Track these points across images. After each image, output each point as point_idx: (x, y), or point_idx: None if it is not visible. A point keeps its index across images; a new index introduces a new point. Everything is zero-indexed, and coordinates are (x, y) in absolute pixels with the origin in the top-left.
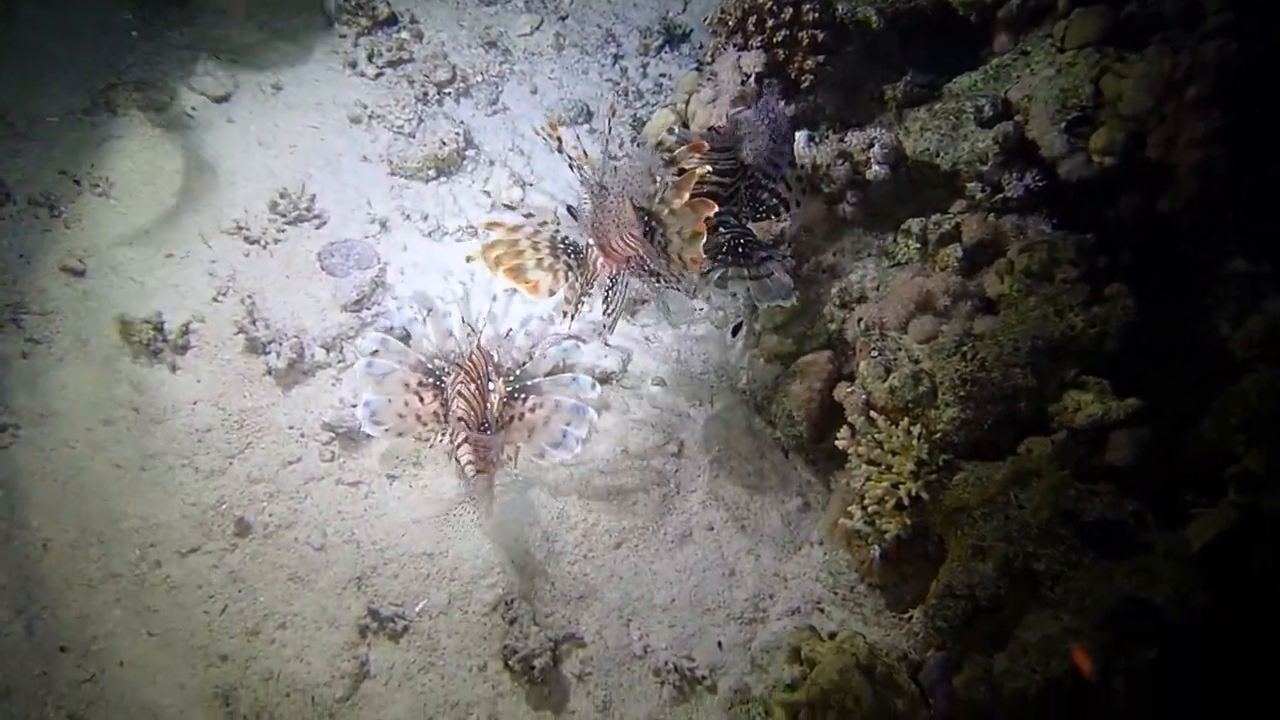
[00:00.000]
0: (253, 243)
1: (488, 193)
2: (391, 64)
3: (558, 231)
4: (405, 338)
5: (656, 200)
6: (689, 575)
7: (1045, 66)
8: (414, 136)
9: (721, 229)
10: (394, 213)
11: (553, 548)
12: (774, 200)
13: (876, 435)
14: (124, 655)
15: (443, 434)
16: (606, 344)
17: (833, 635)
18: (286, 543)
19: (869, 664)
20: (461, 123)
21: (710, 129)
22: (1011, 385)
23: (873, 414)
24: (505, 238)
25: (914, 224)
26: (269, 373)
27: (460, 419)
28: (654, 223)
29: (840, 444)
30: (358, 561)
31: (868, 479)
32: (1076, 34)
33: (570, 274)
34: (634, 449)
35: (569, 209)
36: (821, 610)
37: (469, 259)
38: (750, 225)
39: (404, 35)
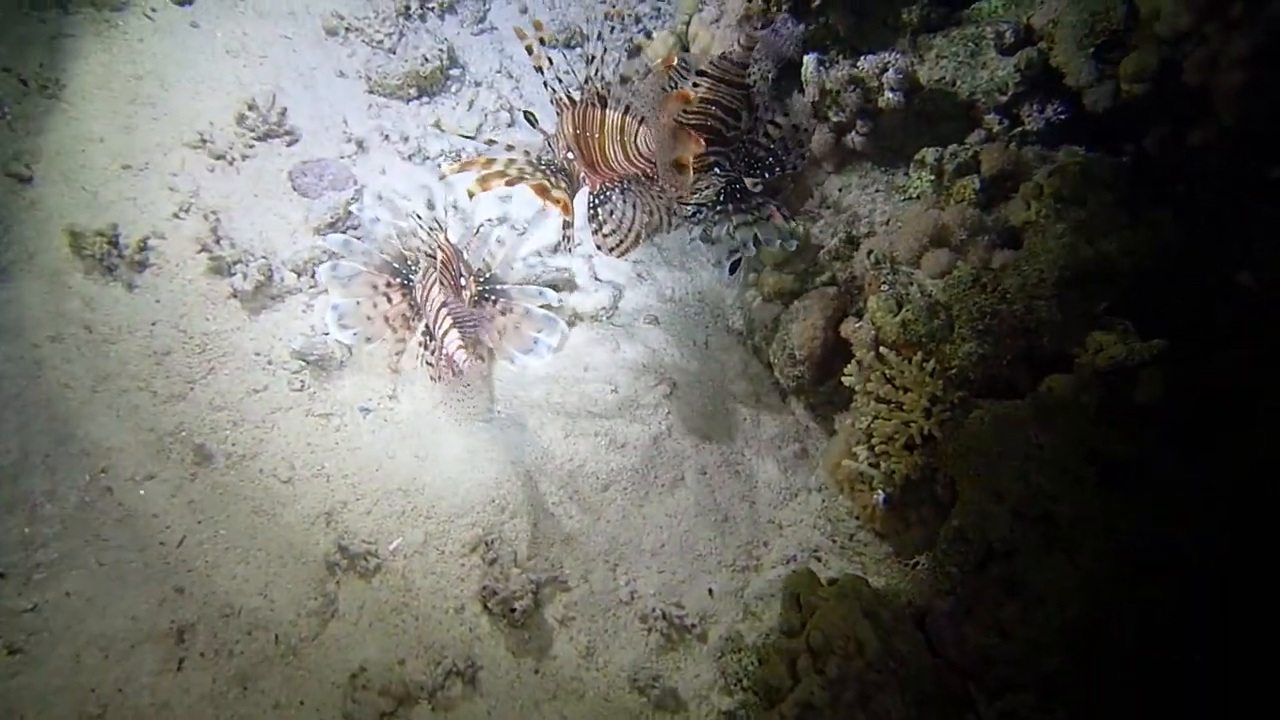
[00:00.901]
0: (218, 158)
1: (437, 125)
2: None
3: (528, 153)
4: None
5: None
6: (679, 520)
7: None
8: (394, 52)
9: (717, 170)
10: (372, 133)
11: (536, 488)
12: (769, 157)
13: (887, 371)
14: (70, 585)
15: (412, 334)
16: (596, 276)
17: (833, 582)
18: (250, 474)
19: (872, 609)
20: (445, 40)
21: (721, 56)
22: (1035, 318)
23: (883, 350)
24: (485, 171)
25: (928, 154)
26: (234, 295)
27: (444, 305)
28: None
29: (847, 381)
30: (327, 496)
31: (876, 417)
32: None
33: (567, 186)
34: (624, 389)
35: (526, 114)
36: (819, 558)
37: (443, 177)
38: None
39: None
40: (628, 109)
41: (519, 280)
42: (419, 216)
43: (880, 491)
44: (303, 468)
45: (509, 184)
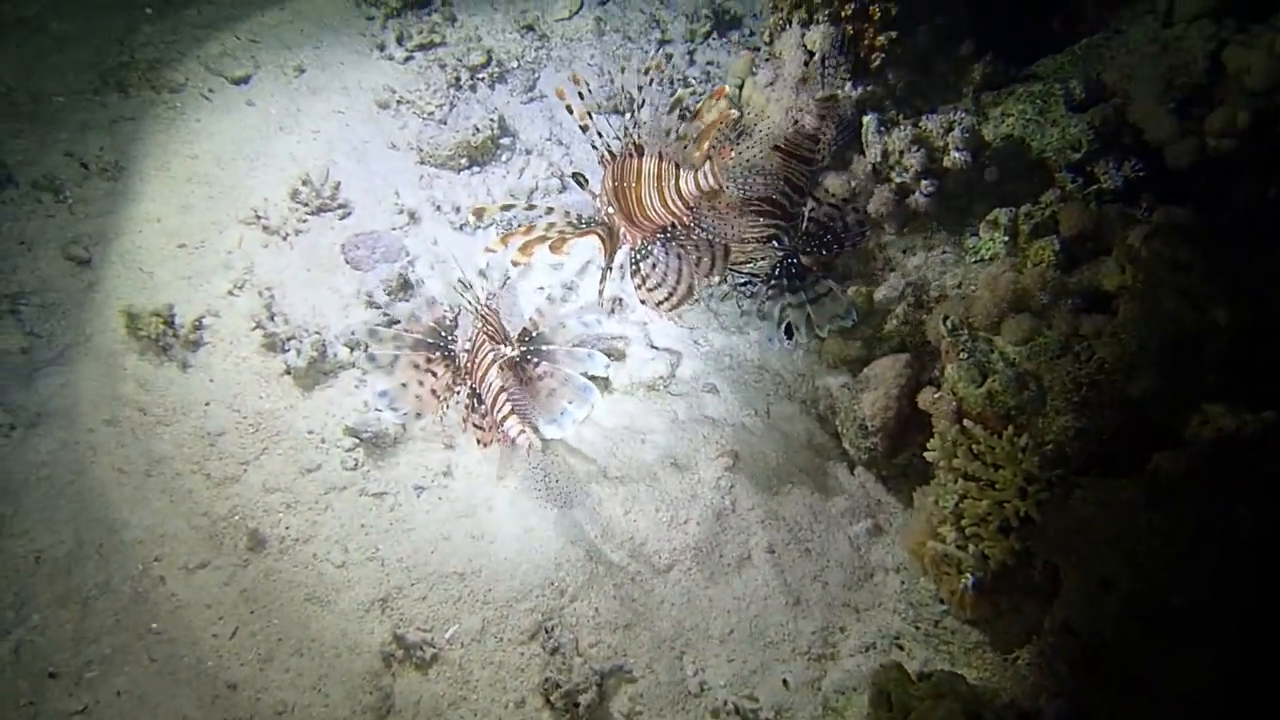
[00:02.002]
0: (272, 233)
1: (479, 216)
2: (422, 47)
3: (568, 213)
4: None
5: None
6: (748, 603)
7: (1147, 43)
8: (445, 123)
9: (776, 244)
10: (423, 204)
11: (596, 570)
12: (826, 234)
13: (974, 446)
14: (121, 683)
15: (459, 400)
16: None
17: (925, 676)
18: (304, 559)
19: (974, 711)
20: (496, 110)
21: (796, 131)
22: (1137, 389)
23: (967, 423)
24: (526, 239)
25: (1001, 214)
26: (288, 372)
27: (502, 389)
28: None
29: (930, 456)
30: (382, 581)
31: (964, 496)
32: (1187, 6)
33: (608, 239)
34: (684, 461)
35: (576, 177)
36: (901, 646)
37: (489, 250)
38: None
39: (436, 18)
40: (662, 155)
41: (569, 339)
42: (465, 285)
43: (970, 575)
44: (356, 551)
45: (552, 248)
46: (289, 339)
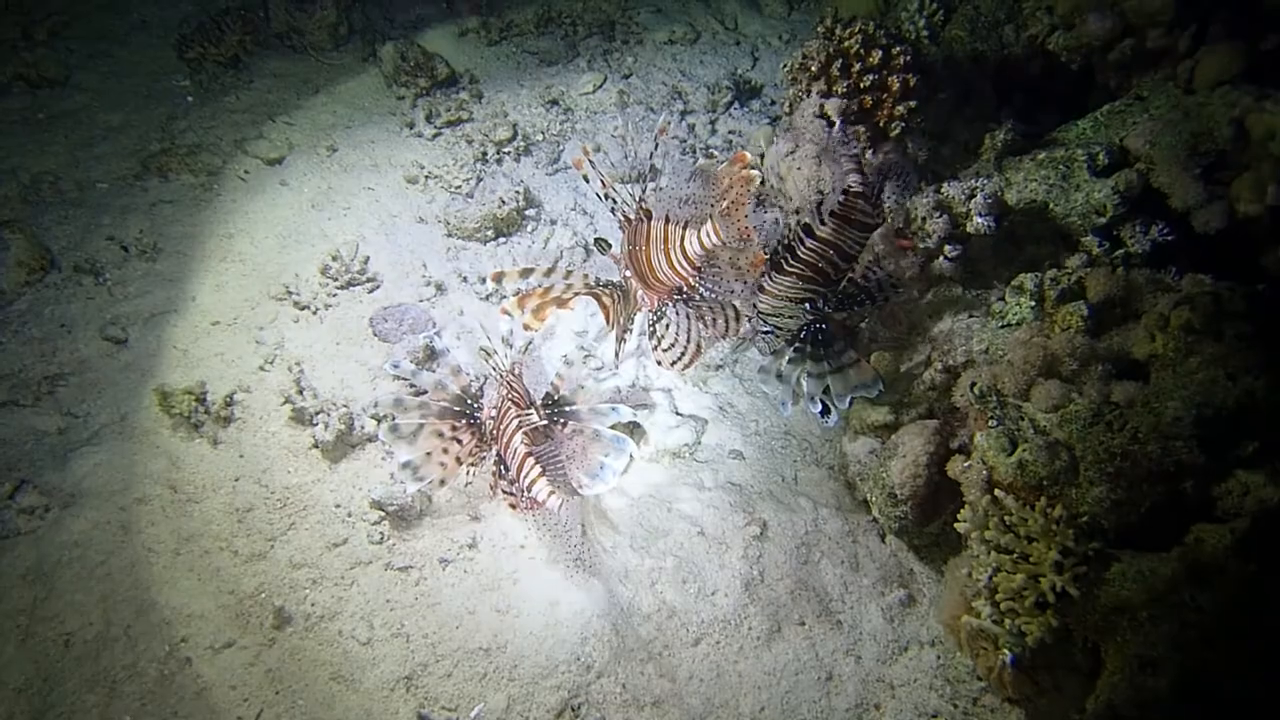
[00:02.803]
0: (302, 308)
1: (498, 279)
2: (450, 124)
3: (586, 275)
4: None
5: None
6: (779, 679)
7: (1169, 110)
8: (472, 196)
9: (808, 307)
10: (450, 275)
11: (623, 643)
12: (860, 294)
13: (1006, 518)
14: None
15: (486, 467)
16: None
17: None
18: (329, 636)
19: None
20: (521, 182)
21: (851, 192)
22: (1173, 461)
23: (999, 493)
24: (540, 301)
25: (1027, 280)
26: (315, 446)
27: (529, 454)
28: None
29: (961, 528)
30: (407, 658)
31: (998, 570)
32: (1208, 73)
33: (616, 304)
34: (711, 530)
35: (599, 243)
36: None
37: (505, 313)
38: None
39: (463, 95)
40: (668, 218)
41: (589, 397)
42: (488, 352)
43: (1008, 652)
44: (382, 627)
45: (560, 305)
46: (317, 413)
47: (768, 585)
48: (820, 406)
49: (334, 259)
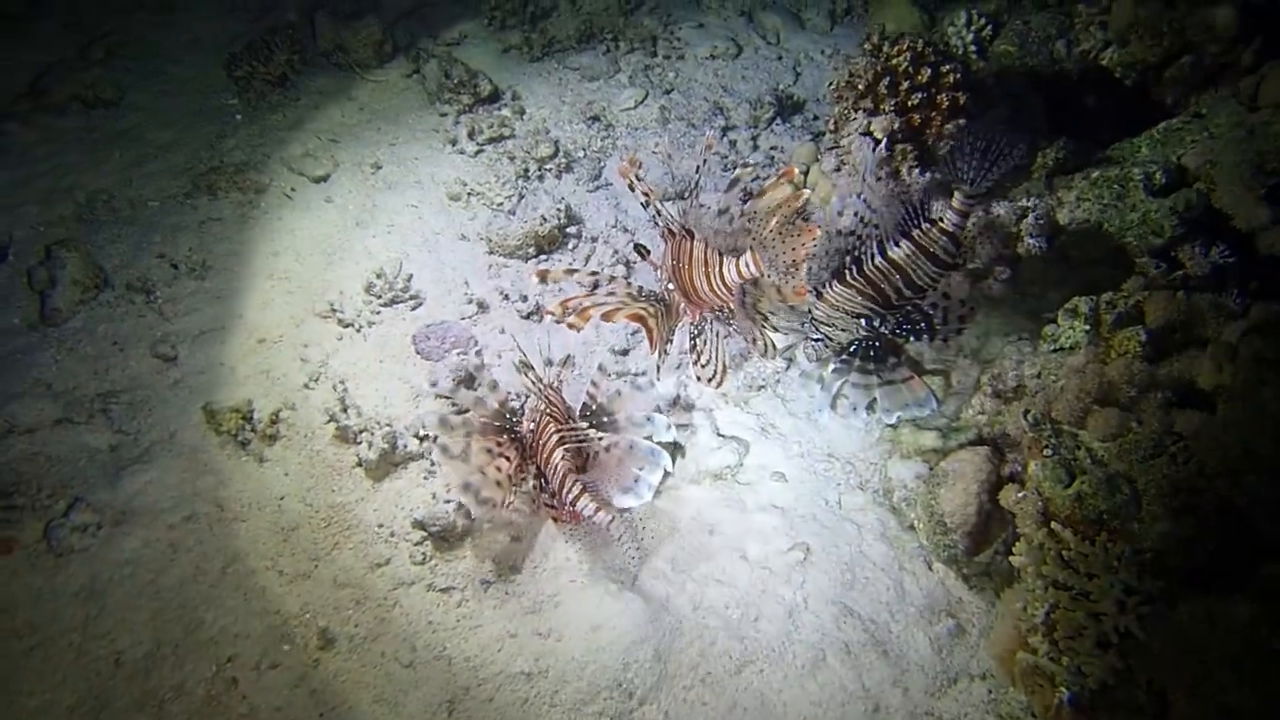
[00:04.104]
0: (346, 326)
1: (543, 279)
2: (492, 140)
3: (629, 283)
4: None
5: (748, 234)
6: (825, 709)
7: (1232, 128)
8: (514, 214)
9: (864, 322)
10: (492, 293)
11: (665, 669)
12: (922, 321)
13: (1065, 553)
14: None
15: (527, 486)
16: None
17: None
18: (373, 658)
19: None
20: (563, 199)
21: (937, 227)
22: (1245, 496)
23: (1056, 526)
24: (585, 303)
25: (1082, 303)
26: (359, 464)
27: (570, 473)
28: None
29: (1016, 561)
30: (449, 682)
31: (1056, 606)
32: (1275, 89)
33: (659, 320)
34: (754, 555)
35: (637, 248)
36: None
37: (550, 314)
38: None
39: (505, 112)
40: (708, 242)
41: (626, 405)
42: (527, 365)
43: (1065, 690)
44: (424, 649)
45: (605, 318)
46: (360, 431)
47: (812, 612)
48: (859, 417)
49: (378, 276)
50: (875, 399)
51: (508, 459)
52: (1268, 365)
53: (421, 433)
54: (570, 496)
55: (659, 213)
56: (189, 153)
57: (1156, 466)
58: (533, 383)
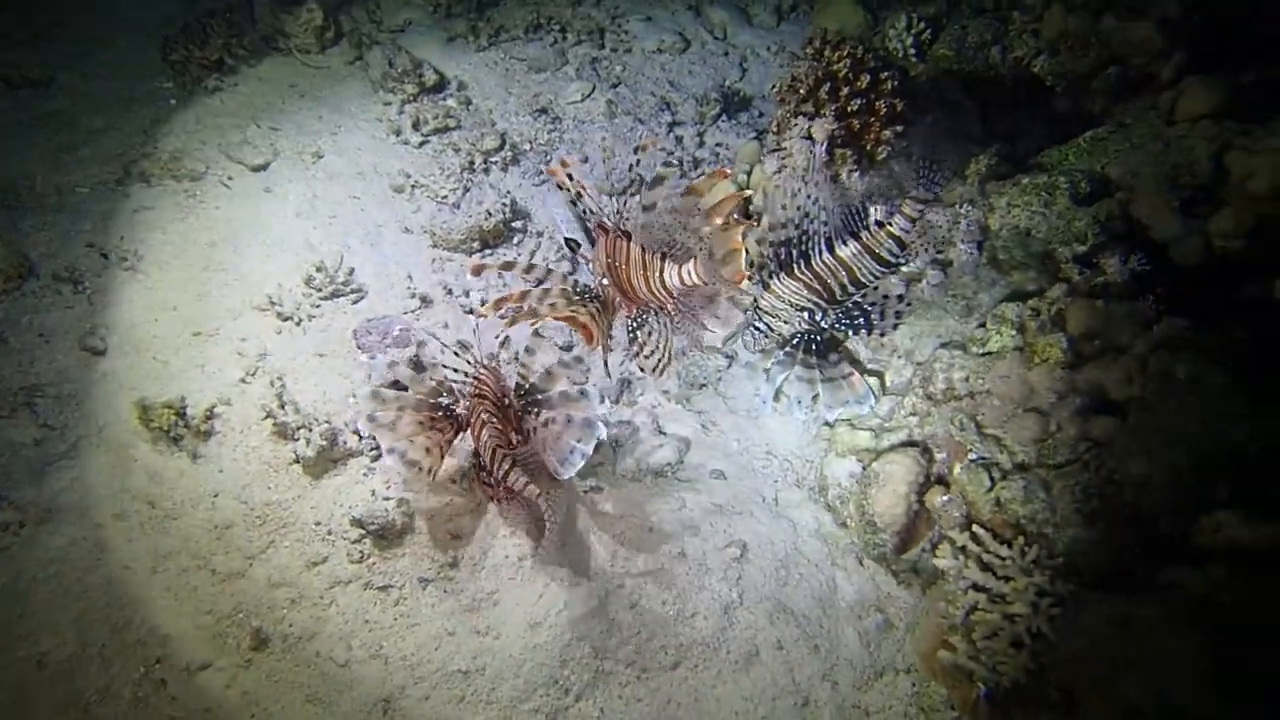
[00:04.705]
0: (286, 319)
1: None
2: (437, 131)
3: (565, 279)
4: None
5: (680, 231)
6: (757, 704)
7: (1150, 140)
8: (458, 207)
9: (806, 315)
10: (435, 287)
11: (602, 666)
12: (861, 317)
13: (984, 556)
14: None
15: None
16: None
17: None
18: (307, 658)
19: None
20: (508, 193)
21: (882, 227)
22: (1149, 504)
23: (978, 530)
24: (517, 307)
25: (1009, 309)
26: (297, 461)
27: (499, 449)
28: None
29: (940, 564)
30: (385, 680)
31: (974, 607)
32: (1189, 106)
33: (598, 315)
34: (691, 552)
35: (568, 242)
36: None
37: (480, 315)
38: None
39: (451, 103)
40: (644, 246)
41: (552, 382)
42: (464, 346)
43: (982, 686)
44: (360, 648)
45: (568, 321)
46: (299, 428)
47: (746, 608)
48: (803, 410)
49: (318, 269)
50: (818, 394)
51: (439, 431)
52: (1173, 380)
53: (357, 427)
54: (501, 472)
55: (589, 211)
56: (121, 138)
57: (1071, 472)
58: (468, 364)
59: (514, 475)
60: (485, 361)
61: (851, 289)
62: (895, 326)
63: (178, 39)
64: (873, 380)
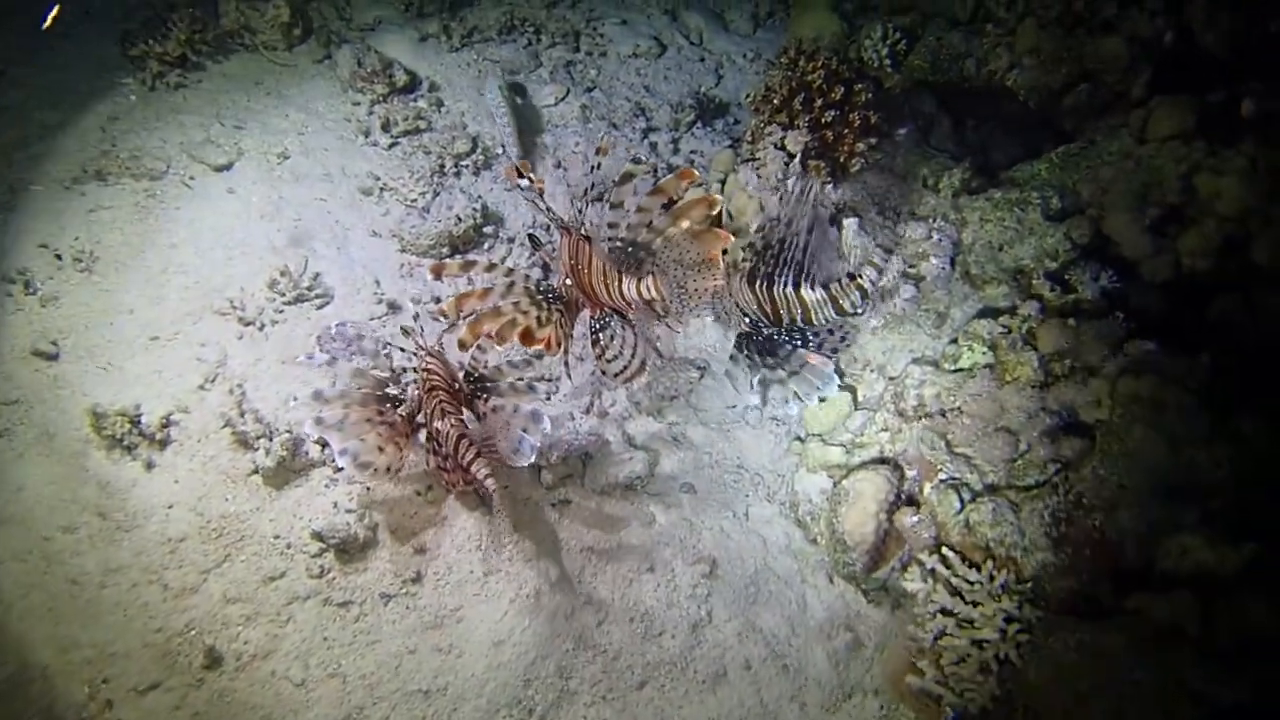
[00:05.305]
0: (247, 324)
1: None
2: (408, 133)
3: (528, 278)
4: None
5: (645, 230)
6: None
7: (1120, 159)
8: (428, 212)
9: (748, 320)
10: (403, 294)
11: (567, 686)
12: (799, 341)
13: (953, 579)
14: None
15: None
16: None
17: None
18: (262, 677)
19: None
20: (479, 197)
21: (853, 279)
22: (1116, 529)
23: (946, 552)
24: (480, 306)
25: (980, 326)
26: (256, 471)
27: (463, 437)
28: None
29: (909, 586)
30: (343, 700)
31: (943, 632)
32: (1159, 125)
33: (562, 318)
34: (660, 567)
35: (531, 237)
36: None
37: (442, 314)
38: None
39: (422, 104)
40: (606, 255)
41: (499, 375)
42: (407, 332)
43: (950, 710)
44: (317, 667)
45: (497, 337)
46: (258, 437)
47: (715, 626)
48: (797, 407)
49: (282, 273)
50: (793, 391)
51: (390, 425)
52: (1140, 404)
53: (305, 431)
54: (466, 459)
55: (549, 210)
56: (78, 135)
57: (1039, 495)
58: (414, 349)
59: (478, 465)
60: (430, 348)
61: (802, 325)
62: (834, 352)
63: (138, 32)
64: (845, 395)
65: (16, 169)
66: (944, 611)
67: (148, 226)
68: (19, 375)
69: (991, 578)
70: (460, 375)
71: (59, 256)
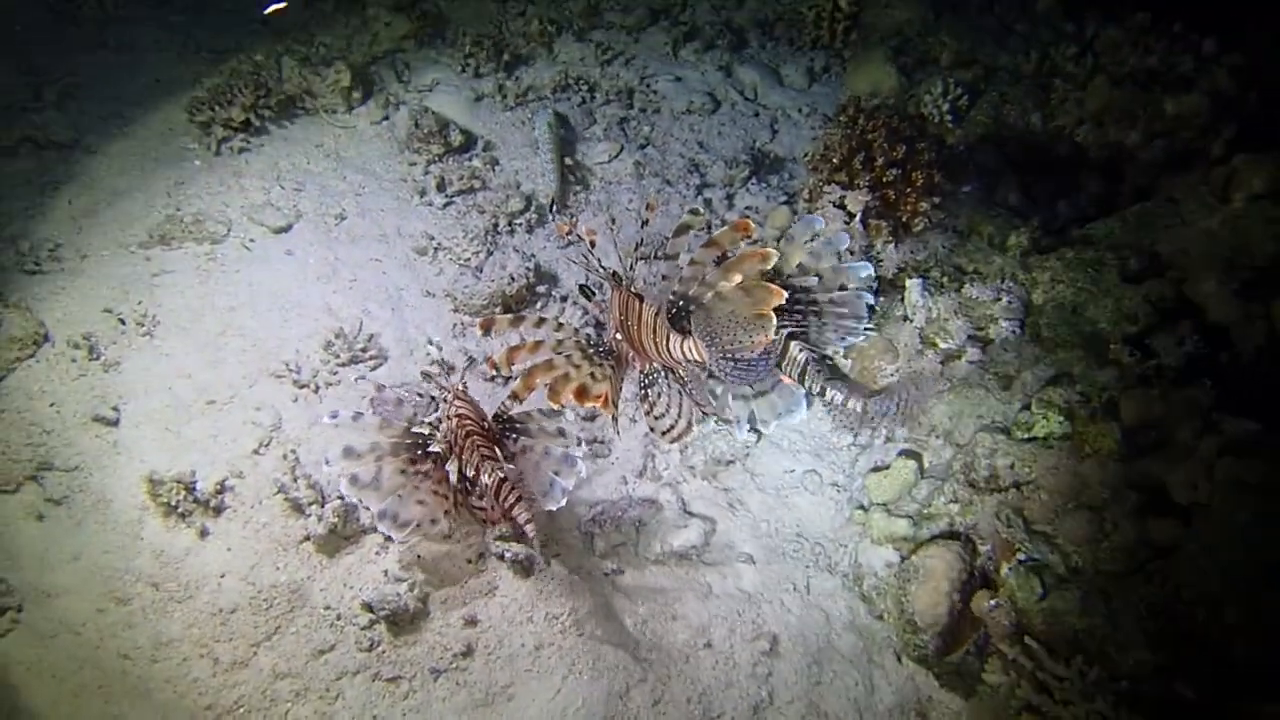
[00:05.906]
0: (302, 386)
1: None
2: (462, 192)
3: (577, 332)
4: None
5: (697, 284)
6: None
7: (1204, 217)
8: (481, 270)
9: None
10: (456, 353)
11: None
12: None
13: (1039, 673)
14: None
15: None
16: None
17: None
18: None
19: None
20: (532, 256)
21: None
22: (1223, 627)
23: (1030, 643)
24: (531, 359)
25: (1056, 394)
26: (308, 538)
27: (504, 481)
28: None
29: (990, 679)
30: None
31: None
32: (1245, 184)
33: (613, 374)
34: (718, 644)
35: (582, 288)
36: None
37: (494, 366)
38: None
39: (477, 163)
40: (657, 311)
41: (529, 417)
42: (428, 376)
43: None
44: None
45: (550, 394)
46: (311, 503)
47: (777, 708)
48: (746, 427)
49: (337, 335)
50: (753, 411)
51: (425, 475)
52: (1244, 489)
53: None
54: (508, 504)
55: (600, 263)
56: (145, 200)
57: (1133, 585)
58: (440, 390)
59: (519, 509)
60: (456, 389)
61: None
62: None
63: (205, 99)
64: (911, 462)
65: (86, 235)
66: (1029, 708)
67: (208, 289)
68: (80, 441)
69: (1083, 674)
70: (489, 415)
71: (122, 321)
